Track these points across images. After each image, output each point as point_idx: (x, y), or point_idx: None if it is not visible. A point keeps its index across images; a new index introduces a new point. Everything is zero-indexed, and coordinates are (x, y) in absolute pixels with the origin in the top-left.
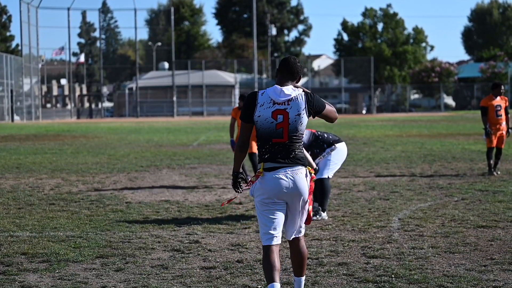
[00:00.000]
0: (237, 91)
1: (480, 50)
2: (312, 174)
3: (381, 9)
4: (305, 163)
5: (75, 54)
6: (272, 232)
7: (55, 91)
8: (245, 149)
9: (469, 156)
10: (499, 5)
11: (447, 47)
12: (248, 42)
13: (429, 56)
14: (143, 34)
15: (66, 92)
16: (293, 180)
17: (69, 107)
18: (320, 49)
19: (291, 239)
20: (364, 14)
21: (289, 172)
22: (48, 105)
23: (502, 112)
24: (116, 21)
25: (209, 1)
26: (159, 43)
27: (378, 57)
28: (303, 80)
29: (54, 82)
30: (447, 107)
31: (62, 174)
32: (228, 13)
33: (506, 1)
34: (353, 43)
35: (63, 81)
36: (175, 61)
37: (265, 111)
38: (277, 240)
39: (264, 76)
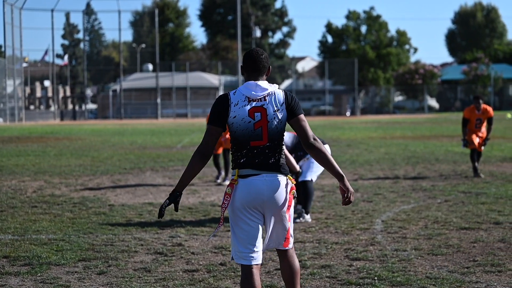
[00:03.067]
0: (221, 93)
1: (463, 52)
2: (293, 185)
3: (364, 11)
4: (286, 172)
5: (58, 56)
6: (250, 247)
7: (38, 93)
8: (207, 158)
9: (452, 158)
10: (483, 7)
11: (430, 50)
12: (233, 44)
13: (413, 58)
14: (127, 35)
15: (50, 94)
16: (271, 187)
17: (52, 108)
18: (305, 51)
19: (277, 248)
20: (348, 17)
21: (266, 178)
22: (32, 107)
23: (482, 125)
24: (100, 23)
25: (193, 3)
26: (143, 45)
27: (362, 59)
28: (287, 82)
29: (37, 83)
30: (431, 109)
31: (45, 176)
32: (213, 15)
33: (490, 3)
34: (337, 45)
35: (47, 83)
36: (159, 62)
37: (241, 110)
38: (257, 259)
39: None
